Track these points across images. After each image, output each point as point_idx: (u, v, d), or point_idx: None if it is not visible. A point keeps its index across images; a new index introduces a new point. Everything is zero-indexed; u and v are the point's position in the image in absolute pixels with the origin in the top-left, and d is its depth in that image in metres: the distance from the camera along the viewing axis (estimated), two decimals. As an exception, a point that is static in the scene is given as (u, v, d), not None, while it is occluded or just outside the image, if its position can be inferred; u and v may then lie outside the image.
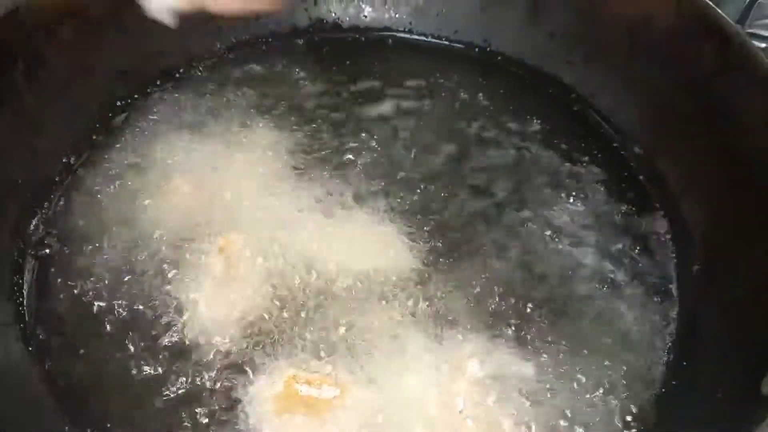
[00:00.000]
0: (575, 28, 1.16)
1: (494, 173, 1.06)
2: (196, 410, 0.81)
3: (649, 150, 1.09)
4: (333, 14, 1.27)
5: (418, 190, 1.02)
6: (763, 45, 1.22)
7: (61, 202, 1.00)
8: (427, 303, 0.90)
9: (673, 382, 0.86)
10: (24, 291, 0.92)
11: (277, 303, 0.89)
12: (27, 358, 0.86)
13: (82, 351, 0.86)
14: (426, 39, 1.26)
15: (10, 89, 0.92)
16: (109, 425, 0.81)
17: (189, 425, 0.80)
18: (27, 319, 0.90)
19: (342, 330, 0.87)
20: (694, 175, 1.02)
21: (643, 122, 1.10)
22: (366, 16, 1.27)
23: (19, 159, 0.98)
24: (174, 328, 0.87)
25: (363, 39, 1.25)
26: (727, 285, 0.91)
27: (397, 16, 1.25)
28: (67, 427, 0.81)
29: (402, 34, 1.25)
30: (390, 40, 1.25)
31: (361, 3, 1.26)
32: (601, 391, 0.84)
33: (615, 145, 1.11)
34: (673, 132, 1.06)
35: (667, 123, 1.06)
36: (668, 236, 1.00)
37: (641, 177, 1.07)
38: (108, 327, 0.88)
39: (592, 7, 1.13)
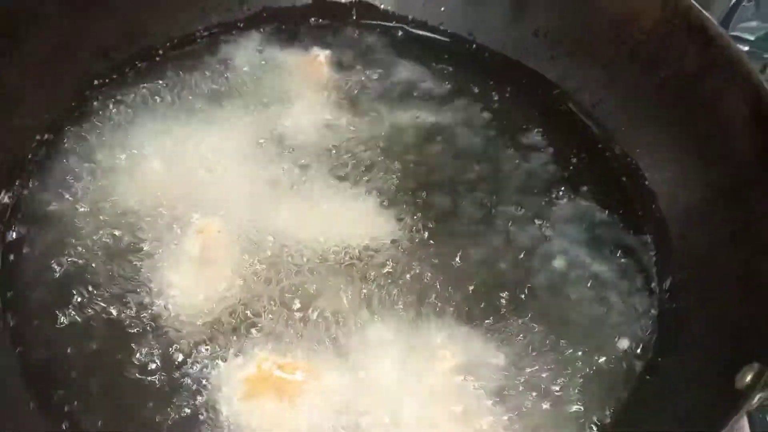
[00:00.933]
0: (560, 24, 1.16)
1: (475, 166, 1.05)
2: (167, 391, 0.80)
3: (631, 149, 1.08)
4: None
5: (396, 177, 1.02)
6: (746, 48, 1.23)
7: (33, 182, 0.98)
8: (404, 288, 0.90)
9: (648, 377, 0.87)
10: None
11: (253, 285, 0.89)
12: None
13: (52, 336, 0.85)
14: (411, 29, 1.24)
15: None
16: (78, 409, 0.80)
17: (160, 407, 0.79)
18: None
19: (317, 314, 0.87)
20: (675, 174, 1.02)
21: (625, 120, 1.10)
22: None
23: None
24: (147, 311, 0.86)
25: (347, 26, 1.24)
26: (705, 284, 0.91)
27: (383, 6, 1.24)
28: (31, 404, 0.80)
29: (387, 23, 1.24)
30: (376, 29, 1.23)
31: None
32: (573, 385, 0.84)
33: (597, 143, 1.11)
34: (654, 131, 1.06)
35: (650, 122, 1.07)
36: (649, 236, 1.00)
37: (624, 178, 1.07)
38: (79, 311, 0.86)
39: (577, 4, 1.13)
